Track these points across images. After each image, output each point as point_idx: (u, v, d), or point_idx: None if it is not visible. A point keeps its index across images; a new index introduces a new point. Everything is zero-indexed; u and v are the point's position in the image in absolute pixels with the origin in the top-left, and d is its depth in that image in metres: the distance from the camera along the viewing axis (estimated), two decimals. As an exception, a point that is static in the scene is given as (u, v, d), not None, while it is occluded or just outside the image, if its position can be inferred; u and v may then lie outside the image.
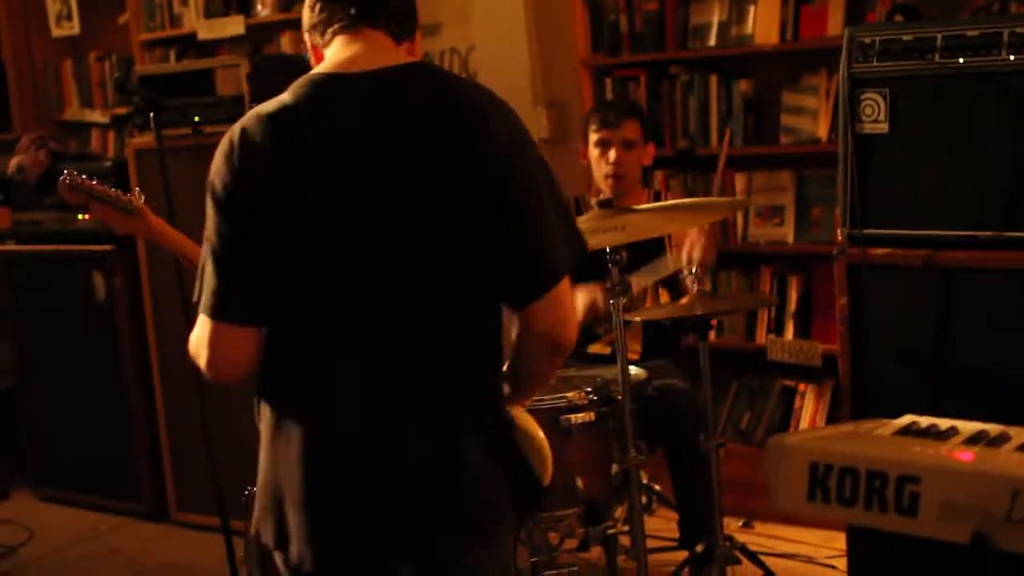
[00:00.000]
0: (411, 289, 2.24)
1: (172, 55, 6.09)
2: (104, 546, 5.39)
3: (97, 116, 6.53)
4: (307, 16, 2.42)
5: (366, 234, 2.22)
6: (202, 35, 5.87)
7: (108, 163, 5.53)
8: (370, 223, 2.22)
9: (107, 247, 5.41)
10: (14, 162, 5.79)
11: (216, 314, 2.28)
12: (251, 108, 2.37)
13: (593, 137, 4.38)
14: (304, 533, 2.28)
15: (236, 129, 2.29)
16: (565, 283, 2.29)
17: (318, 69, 2.34)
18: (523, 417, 2.46)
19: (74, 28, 6.53)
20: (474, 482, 2.30)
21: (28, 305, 5.86)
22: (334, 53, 2.35)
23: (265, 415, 2.37)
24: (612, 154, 4.32)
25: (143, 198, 3.14)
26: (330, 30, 2.36)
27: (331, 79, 2.30)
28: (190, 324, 2.39)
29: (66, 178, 3.01)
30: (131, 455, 5.59)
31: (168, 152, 4.35)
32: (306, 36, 2.44)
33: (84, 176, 3.16)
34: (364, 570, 2.33)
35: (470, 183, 2.20)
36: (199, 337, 2.33)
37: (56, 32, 6.61)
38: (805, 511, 1.41)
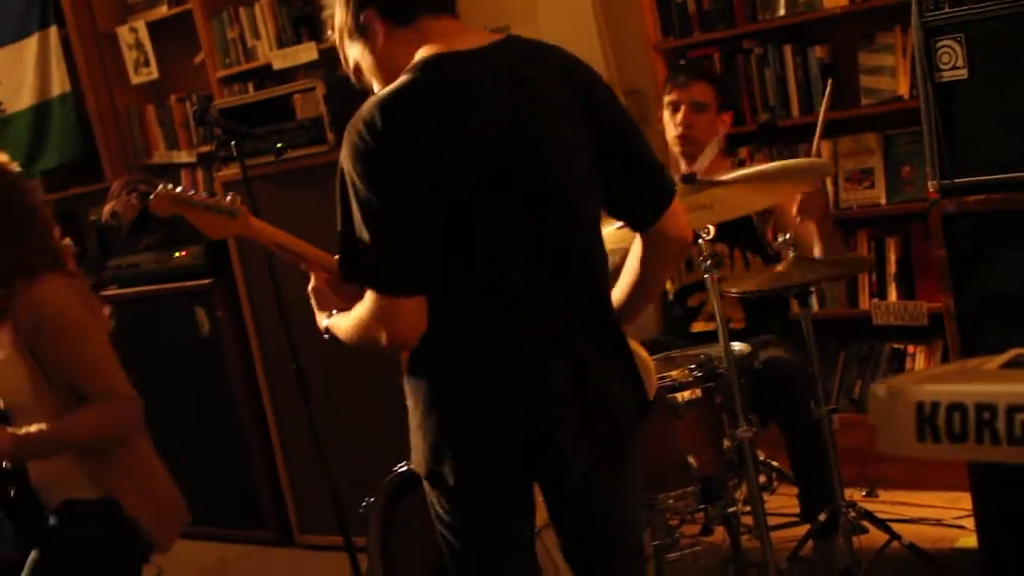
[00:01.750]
0: (559, 230, 2.48)
1: (250, 88, 6.17)
2: (234, 575, 5.47)
3: (184, 156, 6.63)
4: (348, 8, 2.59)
5: (513, 185, 2.43)
6: (277, 65, 5.94)
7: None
8: (515, 173, 2.42)
9: (205, 281, 5.49)
10: (107, 209, 5.91)
11: (390, 289, 2.45)
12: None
13: (664, 100, 4.37)
14: (496, 451, 2.52)
15: (366, 112, 2.42)
16: (677, 200, 2.61)
17: (424, 53, 2.50)
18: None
19: (152, 73, 6.64)
20: (622, 395, 2.59)
21: (135, 347, 5.95)
22: (436, 40, 2.51)
23: (430, 366, 2.54)
24: (680, 115, 4.29)
25: (238, 199, 3.15)
26: (418, 11, 2.54)
27: (450, 55, 2.47)
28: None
29: (160, 192, 3.03)
30: (251, 483, 5.66)
31: (253, 180, 4.41)
32: (364, 10, 2.56)
33: (177, 187, 3.19)
34: (549, 475, 2.62)
35: (594, 127, 2.48)
36: (370, 315, 2.50)
37: (135, 79, 6.73)
38: (916, 453, 1.39)
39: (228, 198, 2.97)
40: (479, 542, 2.67)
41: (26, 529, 3.28)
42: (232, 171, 5.09)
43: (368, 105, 2.43)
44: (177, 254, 5.55)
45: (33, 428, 3.14)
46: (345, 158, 2.43)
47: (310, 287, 2.82)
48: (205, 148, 6.33)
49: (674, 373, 3.52)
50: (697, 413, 3.50)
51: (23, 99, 7.06)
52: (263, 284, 4.71)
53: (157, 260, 5.70)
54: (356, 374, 4.86)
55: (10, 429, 3.18)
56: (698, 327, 4.37)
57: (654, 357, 3.78)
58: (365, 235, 2.43)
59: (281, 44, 6.05)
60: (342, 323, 2.65)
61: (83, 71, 6.82)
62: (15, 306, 3.15)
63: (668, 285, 4.44)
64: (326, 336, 2.74)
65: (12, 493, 3.28)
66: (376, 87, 2.58)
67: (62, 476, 3.26)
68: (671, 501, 3.51)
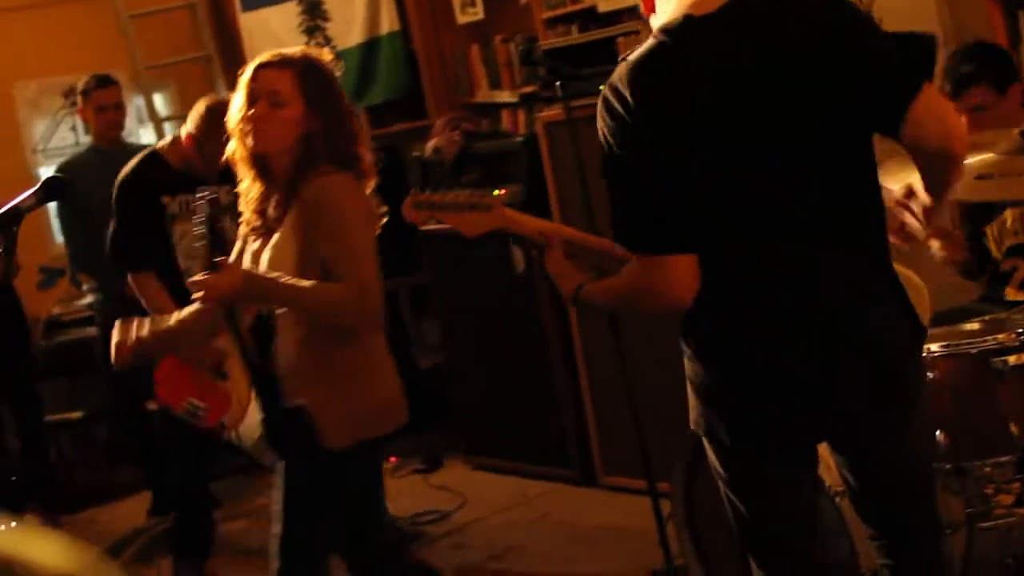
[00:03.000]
0: (821, 173, 2.46)
1: (574, 30, 6.18)
2: (535, 511, 5.56)
3: (506, 96, 6.71)
4: None
5: (770, 134, 2.43)
6: (602, 7, 5.93)
7: (519, 139, 5.68)
8: (770, 123, 2.42)
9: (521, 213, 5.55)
10: (430, 145, 6.05)
11: (657, 249, 2.46)
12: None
13: None
14: (775, 410, 2.51)
15: (616, 76, 2.46)
16: (931, 88, 2.46)
17: (675, 14, 2.49)
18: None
19: (478, 14, 6.73)
20: (902, 333, 2.56)
21: (451, 283, 6.11)
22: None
23: (705, 323, 2.54)
24: None
25: (491, 193, 3.13)
26: None
27: (695, 20, 2.46)
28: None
29: (409, 200, 3.05)
30: (557, 422, 5.73)
31: (577, 122, 4.43)
32: None
33: (428, 191, 3.15)
34: (835, 432, 2.61)
35: (843, 65, 2.43)
36: (639, 277, 2.53)
37: (462, 19, 6.83)
38: None
39: (479, 193, 3.00)
40: (761, 505, 2.64)
41: (261, 390, 3.40)
42: (553, 112, 5.12)
43: (620, 68, 2.47)
44: (497, 191, 5.58)
45: (268, 275, 3.22)
46: (599, 121, 2.47)
47: (548, 266, 2.85)
48: (527, 89, 6.39)
49: (1001, 336, 3.37)
50: (1023, 379, 3.35)
51: (353, 35, 7.27)
52: (580, 219, 4.73)
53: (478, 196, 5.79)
54: (670, 318, 4.84)
55: (245, 269, 3.26)
56: (1011, 294, 4.16)
57: (980, 319, 3.64)
58: (628, 195, 2.46)
59: (607, -14, 6.03)
60: (599, 290, 2.70)
61: (411, 10, 6.96)
62: (305, 192, 3.23)
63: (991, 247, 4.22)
64: (573, 304, 2.80)
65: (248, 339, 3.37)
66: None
67: (305, 379, 3.31)
68: (987, 469, 3.38)
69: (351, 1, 7.21)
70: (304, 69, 3.30)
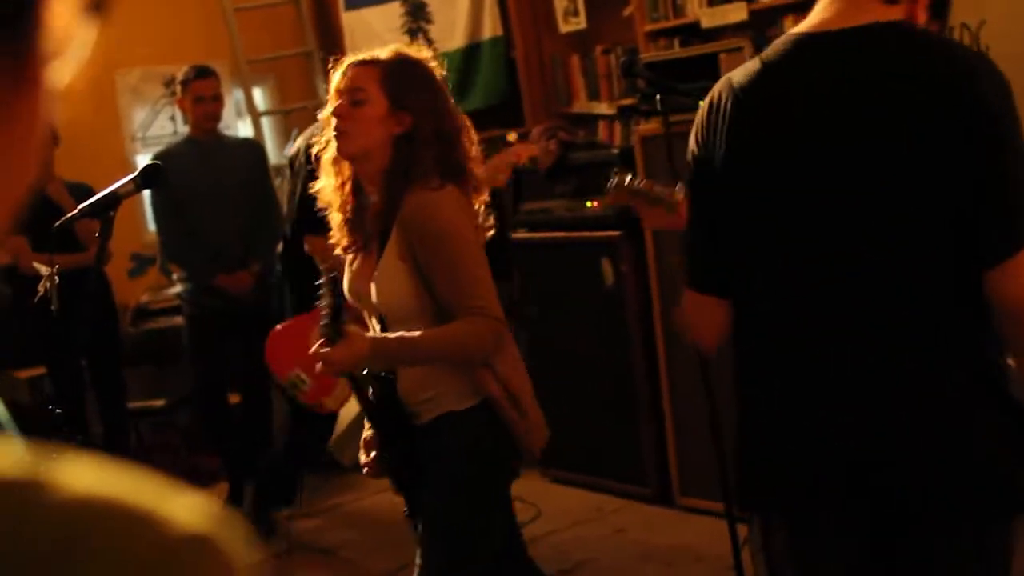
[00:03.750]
0: (884, 248, 2.22)
1: (676, 44, 6.13)
2: (609, 526, 5.52)
3: (603, 108, 6.68)
4: None
5: (841, 192, 2.23)
6: (705, 23, 5.88)
7: (615, 151, 5.64)
8: (845, 181, 2.22)
9: (615, 233, 5.52)
10: (526, 152, 6.02)
11: (693, 283, 2.42)
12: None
13: None
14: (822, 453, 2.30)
15: (714, 90, 2.37)
16: None
17: (797, 28, 2.36)
18: None
19: (580, 23, 6.71)
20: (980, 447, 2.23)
21: (538, 291, 6.08)
22: (815, 12, 2.35)
23: (751, 367, 2.42)
24: None
25: (680, 194, 3.09)
26: None
27: (809, 38, 2.31)
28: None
29: (616, 183, 3.05)
30: (636, 439, 5.68)
31: (674, 137, 4.37)
32: None
33: (632, 177, 3.15)
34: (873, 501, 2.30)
35: (949, 145, 2.14)
36: (683, 307, 2.47)
37: (564, 28, 6.81)
38: None
39: (676, 188, 2.94)
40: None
41: (391, 440, 3.31)
42: (651, 126, 5.08)
43: (720, 83, 2.38)
44: (589, 203, 5.60)
45: (393, 335, 3.11)
46: (692, 135, 2.41)
47: None
48: (624, 101, 6.35)
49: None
50: None
51: (455, 39, 7.28)
52: (672, 244, 4.68)
53: (569, 208, 5.77)
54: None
55: (369, 334, 3.18)
56: None
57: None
58: (690, 218, 2.42)
59: (711, 2, 5.98)
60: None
61: (514, 16, 6.96)
62: (406, 208, 3.13)
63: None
64: None
65: (372, 396, 3.30)
66: None
67: (436, 389, 3.23)
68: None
69: (454, 4, 7.22)
70: (390, 67, 3.19)
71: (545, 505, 5.80)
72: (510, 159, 4.85)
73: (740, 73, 2.35)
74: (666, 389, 5.50)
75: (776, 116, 2.29)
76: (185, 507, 0.64)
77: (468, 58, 7.20)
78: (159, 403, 6.97)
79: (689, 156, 2.41)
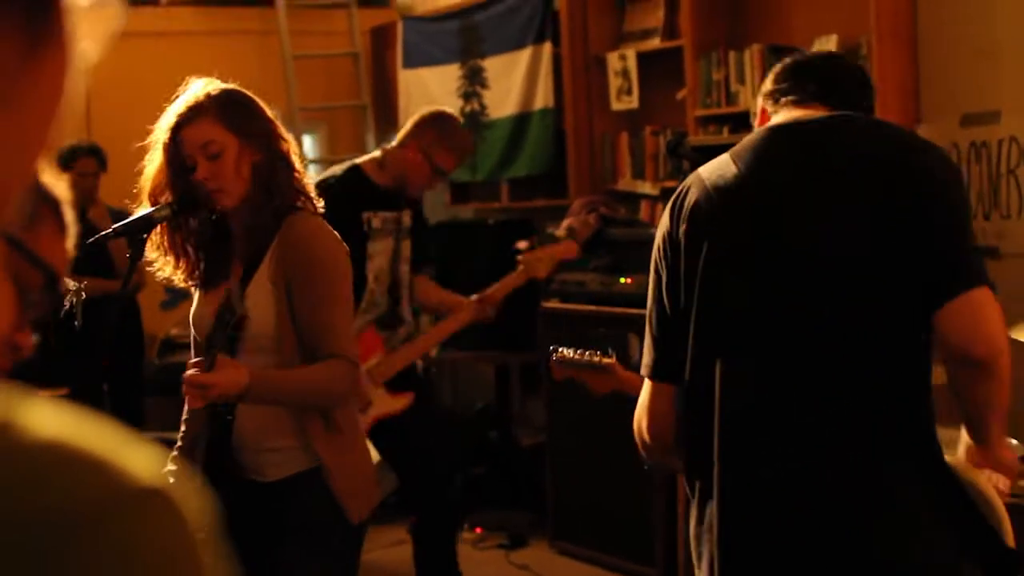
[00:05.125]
0: (854, 326, 2.29)
1: (725, 131, 6.16)
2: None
3: (647, 188, 6.70)
4: (769, 82, 2.59)
5: (814, 270, 2.31)
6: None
7: (653, 230, 5.64)
8: (817, 260, 2.32)
9: (644, 311, 5.51)
10: (565, 224, 6.04)
11: (651, 373, 2.49)
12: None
13: None
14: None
15: (683, 186, 2.48)
16: (980, 294, 2.25)
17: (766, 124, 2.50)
18: (965, 466, 2.39)
19: (633, 102, 6.75)
20: (913, 533, 2.26)
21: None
22: (778, 118, 2.50)
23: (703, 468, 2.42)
24: None
25: (607, 357, 3.17)
26: (784, 99, 2.51)
27: (782, 127, 2.45)
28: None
29: (554, 357, 3.16)
30: (648, 518, 5.64)
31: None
32: (759, 99, 2.61)
33: (564, 350, 3.22)
34: None
35: (907, 222, 2.29)
36: (642, 403, 2.55)
37: (616, 105, 6.85)
38: None
39: (604, 353, 3.07)
40: None
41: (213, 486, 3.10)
42: (692, 208, 5.09)
43: (690, 176, 2.48)
44: (623, 279, 5.60)
45: (272, 371, 3.02)
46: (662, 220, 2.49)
47: None
48: (670, 183, 6.37)
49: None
50: None
51: (507, 107, 7.34)
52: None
53: (602, 282, 5.78)
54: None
55: (248, 367, 2.99)
56: None
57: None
58: (648, 301, 2.50)
59: (764, 93, 6.01)
60: None
61: (568, 89, 7.01)
62: (289, 234, 3.04)
63: None
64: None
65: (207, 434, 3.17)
66: None
67: (287, 440, 3.08)
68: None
69: (511, 72, 7.28)
70: (220, 105, 3.07)
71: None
72: (557, 256, 4.90)
73: (710, 167, 2.45)
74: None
75: (756, 199, 2.37)
76: (144, 460, 0.65)
77: (518, 126, 7.26)
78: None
79: (659, 250, 2.48)
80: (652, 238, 5.55)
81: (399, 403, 4.91)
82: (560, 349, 3.11)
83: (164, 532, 0.64)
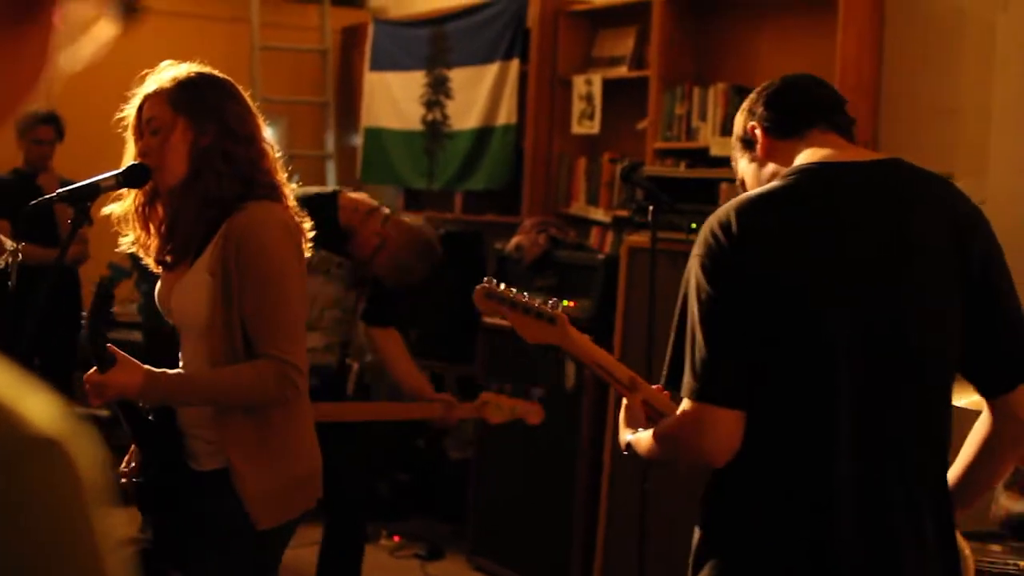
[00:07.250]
0: (905, 382, 2.31)
1: (682, 165, 6.19)
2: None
3: (600, 214, 6.72)
4: (759, 104, 2.55)
5: (863, 317, 2.29)
6: (714, 151, 5.93)
7: (601, 256, 5.66)
8: (867, 304, 2.29)
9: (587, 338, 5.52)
10: (514, 241, 6.06)
11: (709, 397, 2.33)
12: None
13: None
14: None
15: (723, 212, 2.36)
16: None
17: (803, 160, 2.43)
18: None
19: (594, 128, 6.76)
20: None
21: (499, 381, 6.07)
22: (806, 155, 2.44)
23: (732, 494, 2.41)
24: None
25: (561, 307, 2.96)
26: (808, 130, 2.48)
27: (823, 167, 2.39)
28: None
29: (482, 286, 2.83)
30: (567, 543, 5.65)
31: (659, 253, 4.40)
32: (747, 120, 2.56)
33: (504, 285, 2.89)
34: None
35: (966, 276, 2.32)
36: (682, 424, 2.39)
37: (576, 129, 6.86)
38: None
39: (550, 303, 2.79)
40: None
41: (150, 464, 3.12)
42: (641, 238, 5.11)
43: (727, 206, 2.37)
44: (566, 303, 5.59)
45: (172, 372, 2.97)
46: (694, 256, 2.37)
47: (623, 405, 2.72)
48: (621, 213, 6.40)
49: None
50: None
51: (470, 119, 7.33)
52: (639, 352, 4.69)
53: (545, 303, 5.77)
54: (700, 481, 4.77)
55: (146, 367, 2.96)
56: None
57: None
58: (698, 336, 2.33)
59: (724, 132, 6.03)
60: (645, 436, 2.55)
61: (531, 108, 7.01)
62: (236, 222, 2.98)
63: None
64: (626, 452, 2.67)
65: (150, 418, 3.12)
66: None
67: (222, 432, 3.02)
68: None
69: (476, 85, 7.28)
70: (175, 87, 3.06)
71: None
72: (518, 413, 4.75)
73: (760, 194, 2.39)
74: (604, 501, 5.47)
75: (801, 236, 2.34)
76: (43, 409, 0.64)
77: (479, 140, 7.25)
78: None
79: (696, 276, 2.36)
80: (597, 264, 5.61)
81: None
82: (499, 284, 2.80)
83: (55, 483, 0.62)
